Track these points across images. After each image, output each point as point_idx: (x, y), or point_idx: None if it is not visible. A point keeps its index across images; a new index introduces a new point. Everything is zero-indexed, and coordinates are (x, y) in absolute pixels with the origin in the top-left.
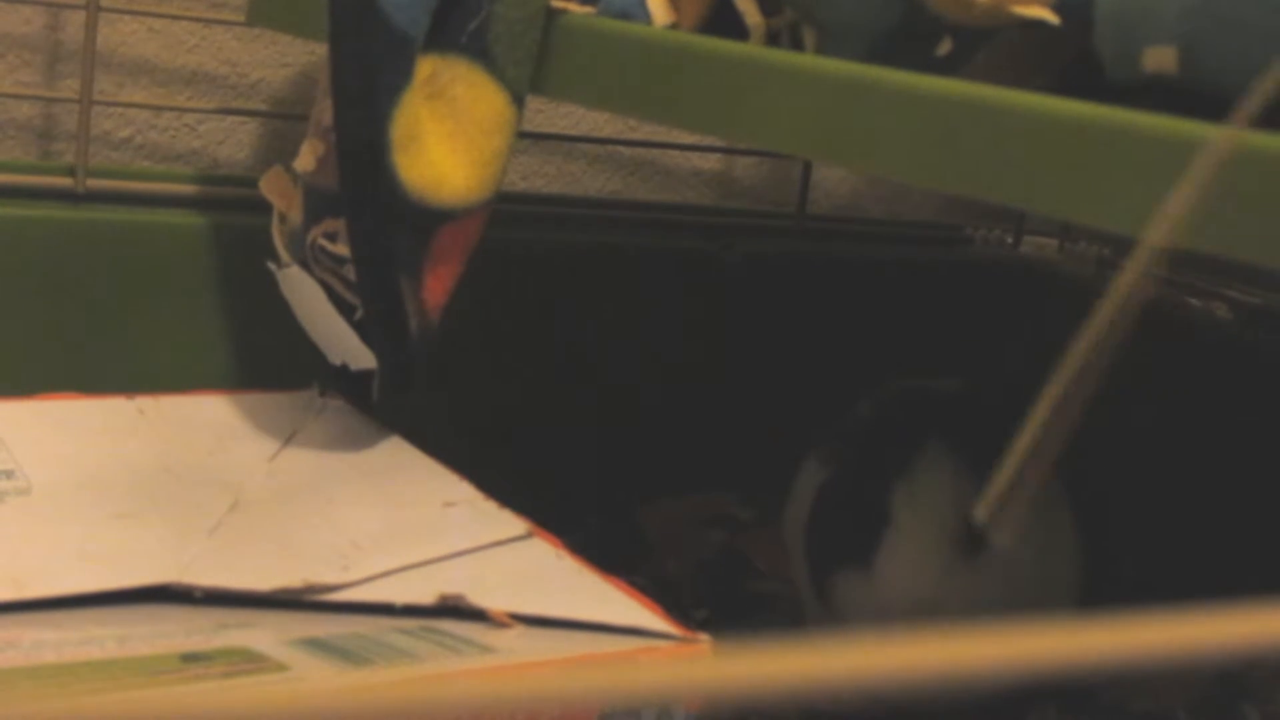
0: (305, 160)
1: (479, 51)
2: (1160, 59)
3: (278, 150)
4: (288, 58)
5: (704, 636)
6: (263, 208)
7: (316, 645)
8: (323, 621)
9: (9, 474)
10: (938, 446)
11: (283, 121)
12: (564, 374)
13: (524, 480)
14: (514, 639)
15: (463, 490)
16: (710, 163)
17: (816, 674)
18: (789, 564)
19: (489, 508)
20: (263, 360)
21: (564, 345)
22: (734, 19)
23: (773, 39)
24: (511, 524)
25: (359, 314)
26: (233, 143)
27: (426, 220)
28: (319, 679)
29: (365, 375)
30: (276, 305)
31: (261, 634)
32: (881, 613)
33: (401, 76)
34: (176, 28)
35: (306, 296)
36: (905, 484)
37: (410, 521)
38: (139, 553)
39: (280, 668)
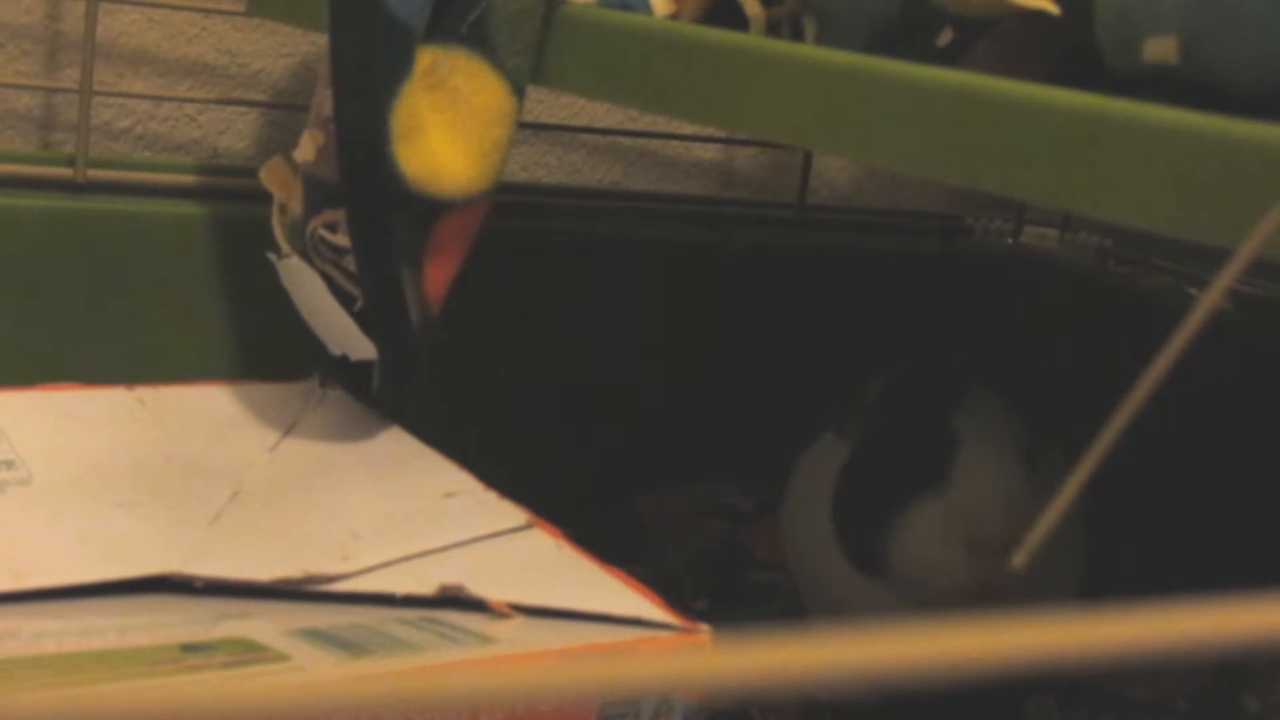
0: (305, 150)
1: (479, 42)
2: (1161, 49)
3: (278, 140)
4: (288, 48)
5: (704, 627)
6: (263, 198)
7: (317, 635)
8: (323, 612)
9: (9, 464)
10: (984, 389)
11: (283, 112)
12: (564, 364)
13: (524, 471)
14: (514, 629)
15: (463, 481)
16: (711, 153)
17: (816, 665)
18: (788, 553)
19: (489, 498)
20: (263, 350)
21: (564, 335)
22: (734, 9)
23: (773, 29)
24: (512, 514)
25: (359, 305)
26: (233, 133)
27: (427, 211)
28: (319, 669)
29: (365, 366)
30: (277, 296)
31: (262, 624)
32: (962, 532)
33: (402, 67)
34: (176, 18)
35: (307, 287)
36: (964, 412)
37: (410, 512)
38: (139, 543)
39: (280, 658)
